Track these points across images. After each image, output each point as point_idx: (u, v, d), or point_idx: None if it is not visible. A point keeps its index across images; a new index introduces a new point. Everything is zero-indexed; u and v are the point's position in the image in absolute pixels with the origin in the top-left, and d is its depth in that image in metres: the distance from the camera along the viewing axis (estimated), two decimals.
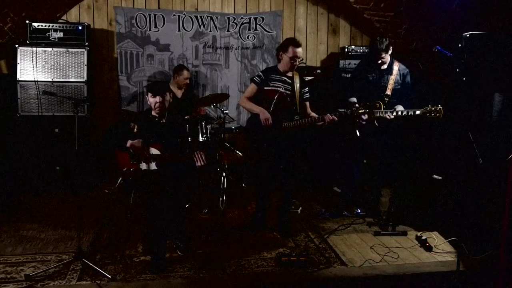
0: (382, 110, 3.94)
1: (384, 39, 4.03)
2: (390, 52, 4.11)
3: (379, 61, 4.08)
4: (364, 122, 3.98)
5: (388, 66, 4.17)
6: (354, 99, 4.16)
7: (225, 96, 5.18)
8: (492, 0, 4.32)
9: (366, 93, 4.14)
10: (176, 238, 3.45)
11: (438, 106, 3.71)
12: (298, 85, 3.79)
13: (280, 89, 3.72)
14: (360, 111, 3.70)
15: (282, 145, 3.72)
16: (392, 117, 3.88)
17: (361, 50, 5.51)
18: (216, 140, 4.93)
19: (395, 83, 4.13)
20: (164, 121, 3.31)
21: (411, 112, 3.83)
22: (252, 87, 3.83)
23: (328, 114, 3.68)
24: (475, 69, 3.71)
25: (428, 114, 3.73)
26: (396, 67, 4.16)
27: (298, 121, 3.73)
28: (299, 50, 3.69)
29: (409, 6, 5.02)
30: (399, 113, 3.88)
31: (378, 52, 4.02)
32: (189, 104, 5.13)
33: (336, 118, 3.67)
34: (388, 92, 4.10)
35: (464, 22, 4.45)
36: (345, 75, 5.40)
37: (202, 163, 3.13)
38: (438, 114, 3.70)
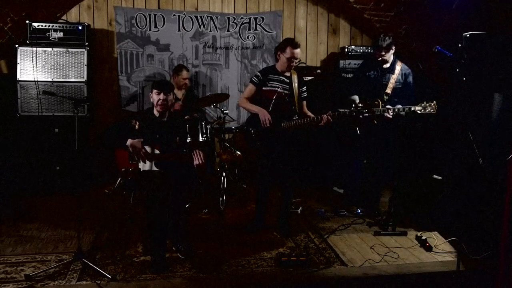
0: (380, 108, 3.96)
1: (387, 38, 4.09)
2: (392, 51, 4.15)
3: (379, 59, 4.13)
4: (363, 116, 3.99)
5: (390, 65, 4.21)
6: (356, 97, 4.18)
7: (225, 96, 5.18)
8: (492, 0, 4.31)
9: (367, 90, 4.16)
10: (176, 241, 3.43)
11: (432, 102, 3.80)
12: (296, 84, 3.78)
13: (278, 89, 3.72)
14: (359, 109, 3.71)
15: (281, 145, 3.72)
16: (392, 114, 3.90)
17: (361, 50, 5.51)
18: (213, 140, 4.93)
19: (396, 82, 4.16)
20: (164, 120, 3.31)
21: (407, 109, 3.89)
22: (250, 88, 3.82)
23: (324, 115, 3.68)
24: (475, 69, 3.71)
25: (423, 110, 3.82)
26: (398, 67, 4.20)
27: (297, 120, 3.73)
28: (297, 51, 3.68)
29: (409, 6, 5.02)
30: (396, 110, 3.90)
31: (378, 49, 4.08)
32: (190, 104, 5.11)
33: (331, 119, 3.67)
34: (389, 90, 4.12)
35: (464, 22, 4.44)
36: (345, 75, 5.40)
37: (200, 162, 3.15)
38: (432, 110, 3.81)
